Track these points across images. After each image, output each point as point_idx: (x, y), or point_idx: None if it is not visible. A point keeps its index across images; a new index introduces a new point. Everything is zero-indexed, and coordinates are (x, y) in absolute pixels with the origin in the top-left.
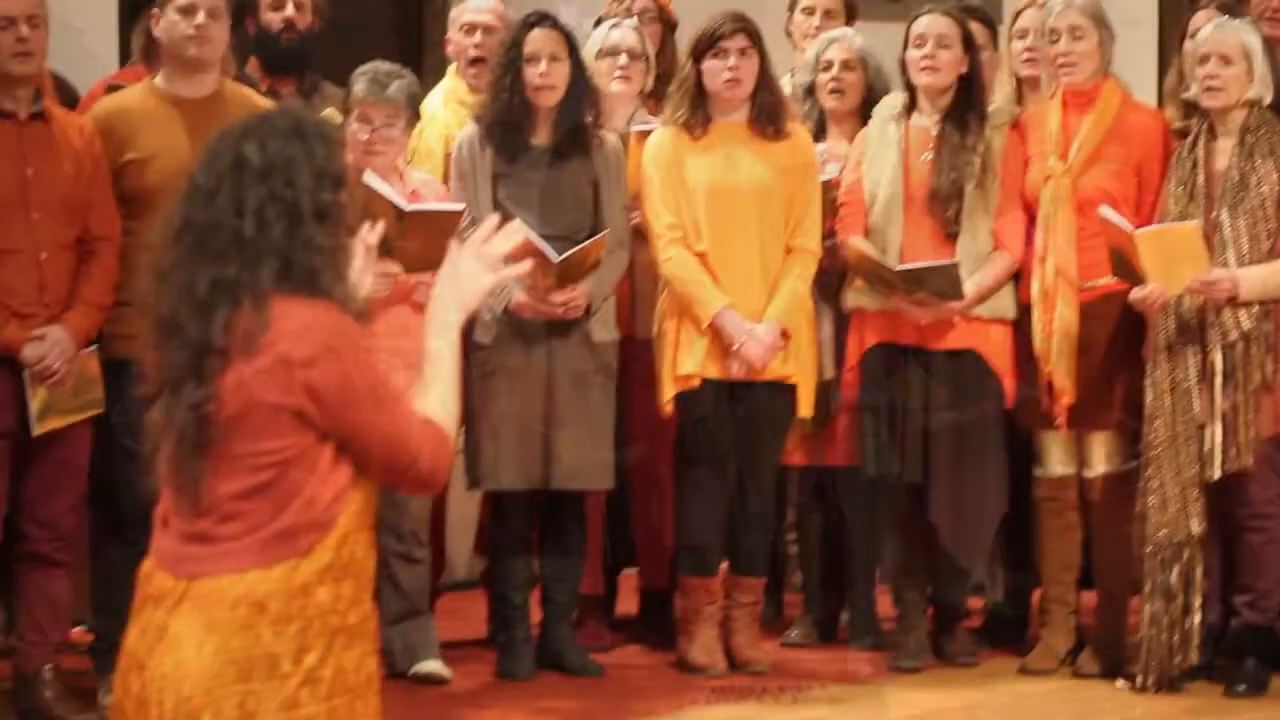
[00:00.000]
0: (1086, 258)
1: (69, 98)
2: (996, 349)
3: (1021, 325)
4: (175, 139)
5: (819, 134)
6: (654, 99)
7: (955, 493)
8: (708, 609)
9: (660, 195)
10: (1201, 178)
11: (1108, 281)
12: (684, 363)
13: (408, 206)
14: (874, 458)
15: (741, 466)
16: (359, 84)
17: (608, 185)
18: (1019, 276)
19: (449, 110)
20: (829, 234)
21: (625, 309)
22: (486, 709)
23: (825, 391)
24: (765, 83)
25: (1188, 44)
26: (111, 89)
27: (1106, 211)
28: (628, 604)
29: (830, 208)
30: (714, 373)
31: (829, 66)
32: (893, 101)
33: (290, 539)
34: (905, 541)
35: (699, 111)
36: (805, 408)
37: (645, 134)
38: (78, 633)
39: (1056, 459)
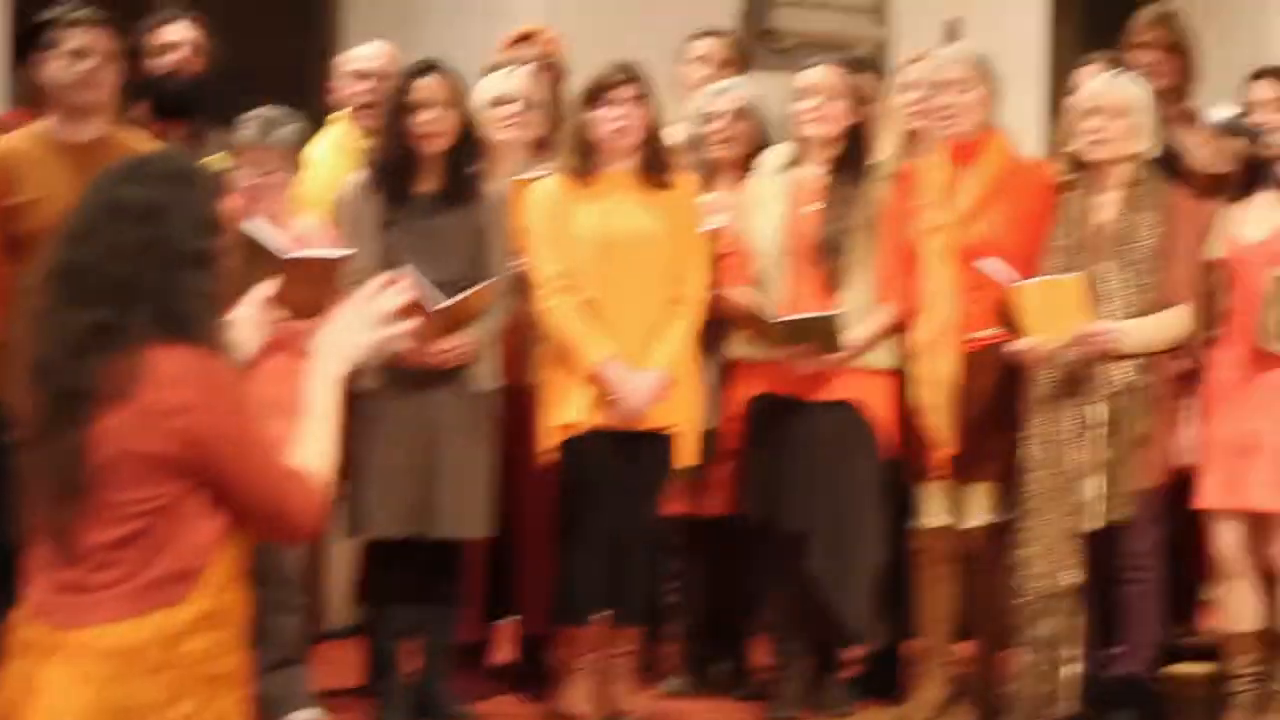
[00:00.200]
0: (969, 309)
1: None
2: (877, 400)
3: (902, 377)
4: (61, 183)
5: (707, 184)
6: (545, 148)
7: (835, 543)
8: (586, 658)
9: (544, 244)
10: (1086, 230)
11: (990, 333)
12: (565, 412)
13: (291, 253)
14: (754, 507)
15: (622, 515)
16: (247, 129)
17: (492, 233)
18: (901, 328)
19: (336, 156)
20: (714, 284)
21: (512, 357)
22: None
23: (705, 441)
24: (653, 132)
25: (1073, 98)
26: None
27: (988, 264)
28: (505, 652)
29: (715, 258)
30: (596, 422)
31: (717, 117)
32: (780, 152)
33: (163, 588)
34: (784, 591)
35: (586, 160)
36: (687, 457)
37: (534, 181)
38: None
39: (934, 510)
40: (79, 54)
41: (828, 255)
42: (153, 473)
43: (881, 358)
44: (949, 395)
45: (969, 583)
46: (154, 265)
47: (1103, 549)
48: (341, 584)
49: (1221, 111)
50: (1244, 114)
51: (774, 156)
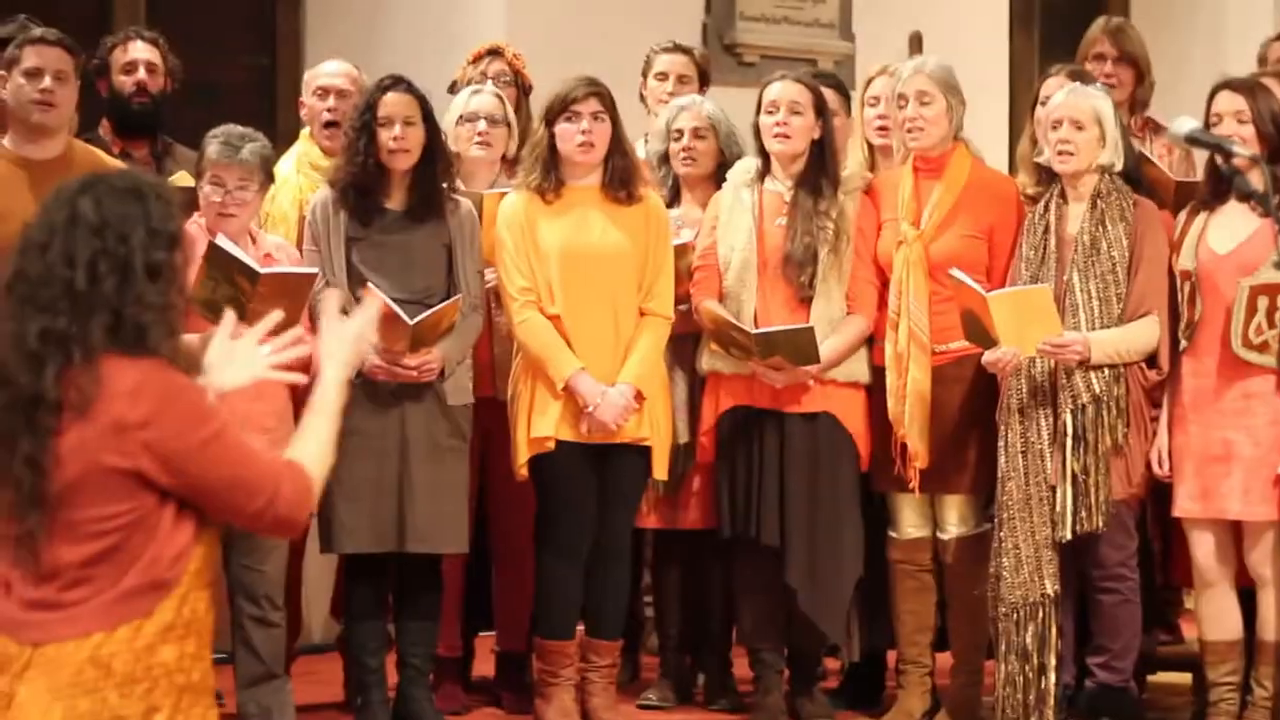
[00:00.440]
0: (939, 322)
1: None
2: (851, 412)
3: (875, 389)
4: (21, 200)
5: (674, 200)
6: (515, 163)
7: (811, 555)
8: (564, 671)
9: (513, 258)
10: (1053, 242)
11: (960, 345)
12: (538, 425)
13: (262, 269)
14: (730, 520)
15: (597, 529)
16: (212, 147)
17: (461, 249)
18: (872, 341)
19: (302, 174)
20: (684, 298)
21: (486, 371)
22: None
23: (679, 455)
24: (618, 147)
25: (1040, 109)
26: None
27: (959, 274)
28: (484, 666)
29: (685, 272)
30: (568, 435)
31: (680, 135)
32: (746, 166)
33: (133, 600)
34: (761, 603)
35: (551, 175)
36: (660, 470)
37: (502, 197)
38: None
39: (910, 521)
40: (35, 74)
41: (797, 269)
42: (122, 487)
43: (854, 370)
44: (922, 407)
45: (946, 594)
46: (109, 277)
47: (1080, 559)
48: (321, 599)
49: (1185, 123)
50: (1207, 125)
51: (740, 171)
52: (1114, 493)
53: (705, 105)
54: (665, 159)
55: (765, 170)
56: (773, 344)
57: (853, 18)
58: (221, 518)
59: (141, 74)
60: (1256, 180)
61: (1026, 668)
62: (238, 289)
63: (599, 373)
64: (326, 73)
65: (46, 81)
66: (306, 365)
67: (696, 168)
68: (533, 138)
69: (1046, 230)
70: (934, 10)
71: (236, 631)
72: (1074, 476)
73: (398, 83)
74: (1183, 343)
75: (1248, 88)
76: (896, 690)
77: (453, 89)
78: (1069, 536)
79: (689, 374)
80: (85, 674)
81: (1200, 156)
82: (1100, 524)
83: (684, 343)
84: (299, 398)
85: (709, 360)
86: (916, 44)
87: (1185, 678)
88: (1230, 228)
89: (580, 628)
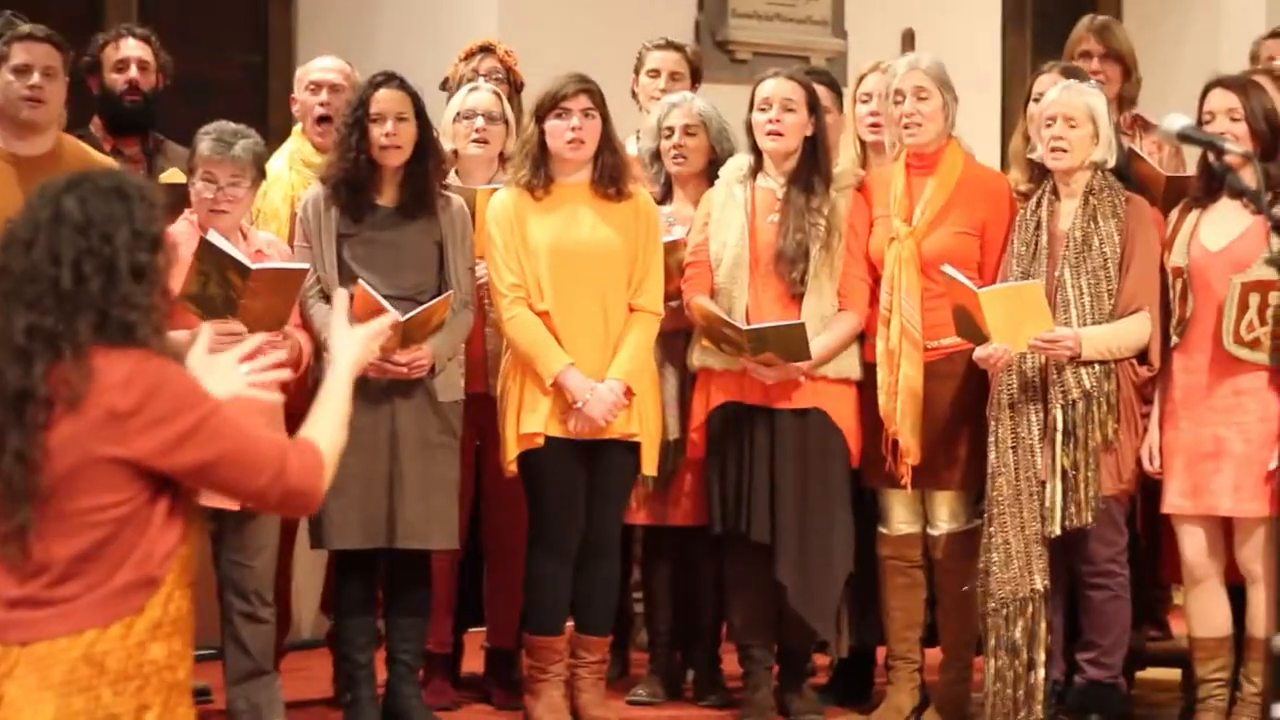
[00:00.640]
0: (931, 318)
1: None
2: (842, 408)
3: (866, 385)
4: (10, 196)
5: (666, 197)
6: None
7: (802, 551)
8: (554, 668)
9: (503, 255)
10: (1045, 238)
11: (952, 341)
12: (527, 421)
13: (253, 265)
14: (720, 516)
15: (586, 524)
16: (204, 143)
17: (453, 245)
18: (864, 337)
19: (294, 170)
20: (675, 295)
21: (479, 368)
22: None
23: (669, 451)
24: (608, 144)
25: (1033, 106)
26: None
27: (950, 270)
28: (474, 662)
29: (677, 269)
30: (557, 431)
31: (671, 132)
32: (738, 163)
33: (125, 597)
34: (751, 599)
35: (541, 171)
36: (649, 466)
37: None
38: None
39: (901, 517)
40: (24, 70)
41: (789, 265)
42: (117, 477)
43: (845, 366)
44: (913, 403)
45: (936, 590)
46: (95, 277)
47: (1070, 554)
48: (310, 595)
49: (1177, 120)
50: (1200, 123)
51: (732, 167)
52: (1104, 488)
53: (696, 102)
54: (657, 156)
55: (758, 167)
56: (764, 340)
57: (845, 15)
58: (231, 496)
59: (133, 72)
60: (1249, 178)
61: (1016, 663)
62: (229, 285)
63: (588, 368)
64: (319, 68)
65: (35, 78)
66: (285, 385)
67: (688, 165)
68: (522, 134)
69: (1038, 226)
70: (926, 7)
71: (226, 627)
72: (1064, 472)
73: (390, 79)
74: (1174, 339)
75: (1240, 85)
76: (886, 686)
77: (444, 86)
78: (1058, 532)
79: (680, 370)
80: (79, 672)
81: (1191, 154)
82: (1089, 519)
83: (675, 339)
84: (289, 404)
85: (700, 356)
86: (909, 41)
87: (1174, 674)
88: (1222, 225)
89: (570, 624)
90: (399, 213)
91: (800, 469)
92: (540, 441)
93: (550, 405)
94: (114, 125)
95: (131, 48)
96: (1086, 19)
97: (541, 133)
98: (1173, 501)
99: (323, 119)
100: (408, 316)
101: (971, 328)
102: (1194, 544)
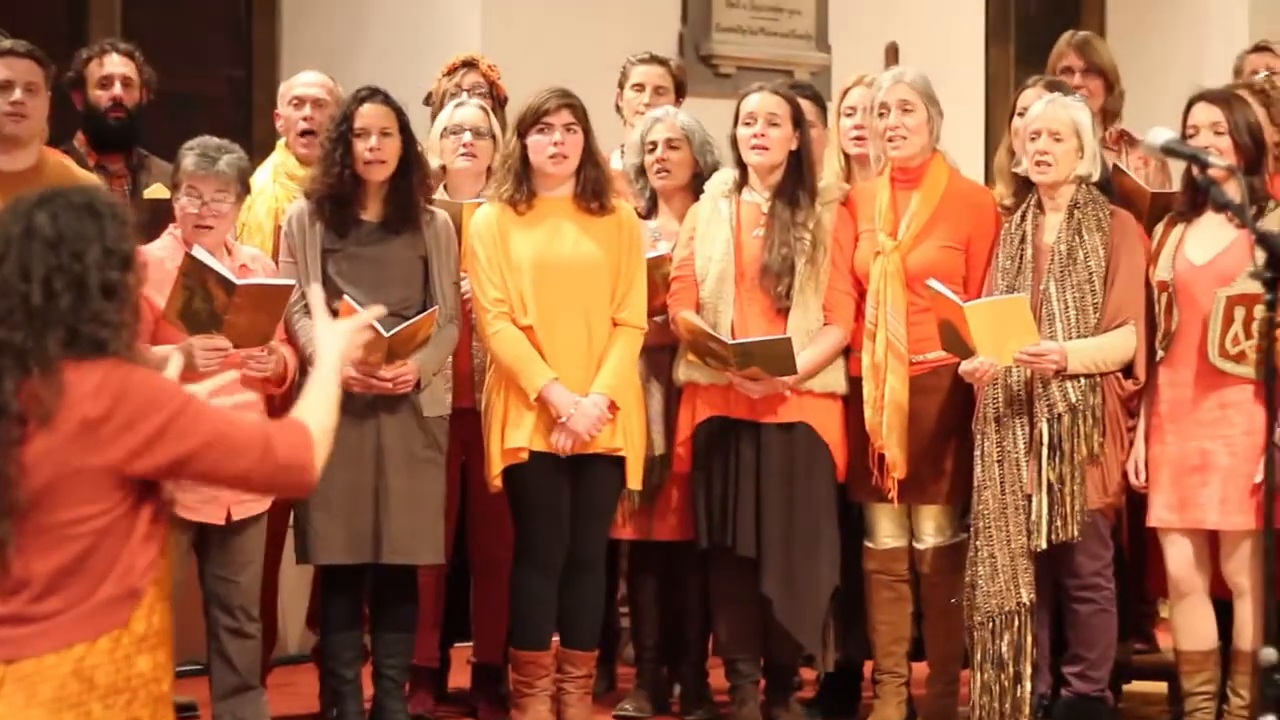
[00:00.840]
0: (916, 332)
1: None
2: (828, 423)
3: (852, 399)
4: None
5: (651, 211)
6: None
7: (788, 566)
8: (540, 682)
9: (486, 270)
10: (1030, 251)
11: (937, 355)
12: (512, 436)
13: (238, 281)
14: (706, 531)
15: (572, 539)
16: (188, 158)
17: (437, 260)
18: (849, 351)
19: (278, 185)
20: (661, 310)
21: (466, 382)
22: None
23: (654, 466)
24: (590, 158)
25: (1018, 120)
26: None
27: (935, 284)
28: (460, 677)
29: (663, 283)
30: (542, 446)
31: (654, 147)
32: (724, 178)
33: (112, 610)
34: (737, 613)
35: (523, 186)
36: (634, 480)
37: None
38: None
39: (887, 531)
40: (7, 85)
41: (774, 279)
42: (97, 487)
43: (830, 381)
44: (899, 417)
45: (923, 604)
46: (65, 294)
47: (1056, 568)
48: (296, 610)
49: (1161, 134)
50: (1184, 137)
51: (717, 182)
52: (1089, 502)
53: (679, 116)
54: (642, 171)
55: (743, 181)
56: (750, 354)
57: (829, 29)
58: (220, 483)
59: (118, 89)
60: (1233, 191)
61: (1002, 677)
62: (214, 300)
63: (572, 383)
64: (302, 82)
65: (17, 94)
66: (271, 400)
67: (671, 179)
68: (505, 149)
69: (1023, 240)
70: (910, 22)
71: (212, 642)
72: (1049, 486)
73: (374, 94)
74: (1159, 353)
75: (1224, 99)
76: (872, 700)
77: (428, 101)
78: (1044, 545)
79: (665, 385)
80: (69, 688)
81: (1176, 168)
82: (1075, 533)
83: (660, 354)
84: (275, 418)
85: (685, 371)
86: (893, 55)
87: (1161, 687)
88: (1207, 238)
89: (556, 638)
90: (383, 228)
91: (786, 483)
92: (525, 456)
93: (535, 420)
94: (98, 142)
95: (116, 64)
96: (1067, 34)
97: (524, 147)
98: (1159, 515)
99: (306, 133)
100: (393, 332)
101: (957, 342)
102: (1180, 557)
